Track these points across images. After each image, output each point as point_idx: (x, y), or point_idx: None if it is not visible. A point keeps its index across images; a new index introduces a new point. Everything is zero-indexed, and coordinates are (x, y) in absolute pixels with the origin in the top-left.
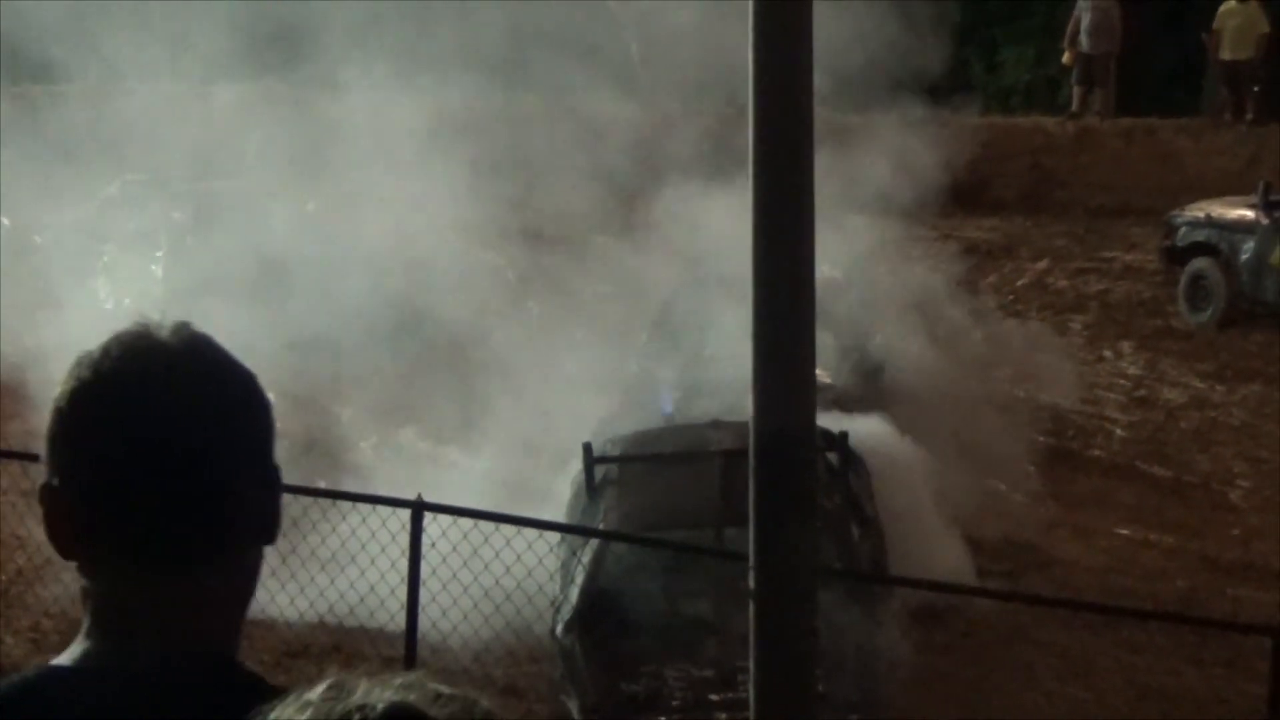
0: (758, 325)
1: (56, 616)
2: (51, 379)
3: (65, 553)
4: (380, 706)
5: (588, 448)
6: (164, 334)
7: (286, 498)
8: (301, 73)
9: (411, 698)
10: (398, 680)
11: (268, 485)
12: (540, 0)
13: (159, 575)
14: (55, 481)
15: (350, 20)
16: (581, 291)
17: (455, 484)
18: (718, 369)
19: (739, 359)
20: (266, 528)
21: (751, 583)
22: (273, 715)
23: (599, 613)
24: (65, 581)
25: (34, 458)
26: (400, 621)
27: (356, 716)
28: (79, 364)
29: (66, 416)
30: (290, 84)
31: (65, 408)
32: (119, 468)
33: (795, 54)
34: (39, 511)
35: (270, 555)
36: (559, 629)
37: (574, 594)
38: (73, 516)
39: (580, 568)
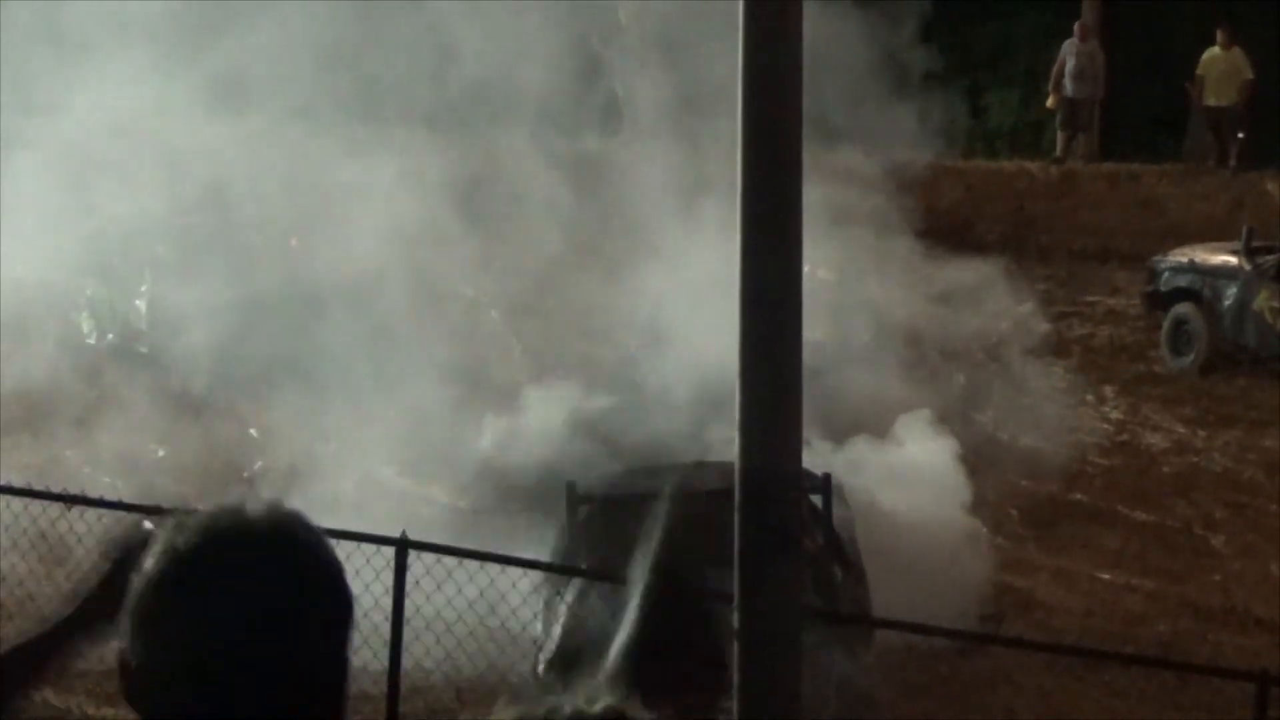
0: (744, 366)
1: None
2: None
3: (134, 702)
4: (598, 708)
5: (571, 486)
6: (255, 515)
7: None
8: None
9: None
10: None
11: (337, 676)
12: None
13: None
14: (134, 660)
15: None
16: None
17: (438, 521)
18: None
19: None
20: (336, 715)
21: (735, 623)
22: None
23: (582, 651)
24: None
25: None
26: (383, 660)
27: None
28: (170, 536)
29: (147, 597)
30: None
31: (147, 588)
32: (195, 655)
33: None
34: (21, 546)
35: None
36: (541, 667)
37: (557, 632)
38: (148, 694)
39: (563, 606)
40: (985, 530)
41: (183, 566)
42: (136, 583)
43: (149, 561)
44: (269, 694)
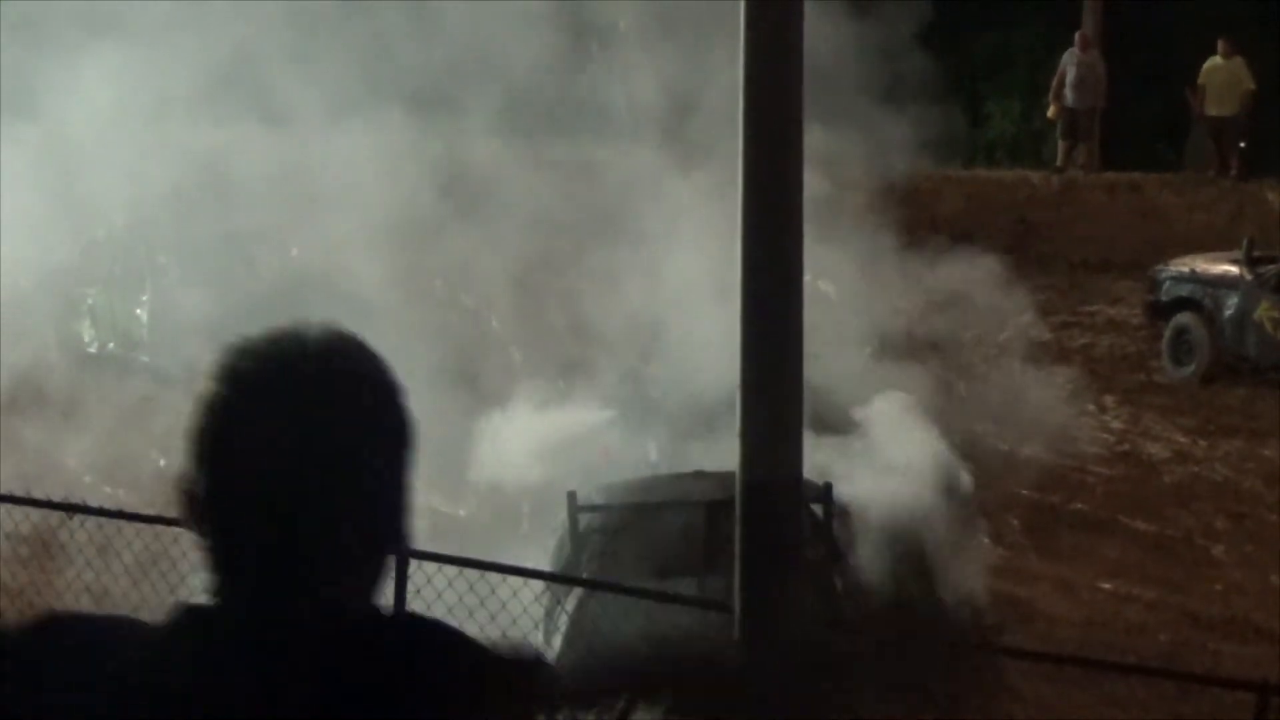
0: (745, 378)
1: None
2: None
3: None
4: None
5: (572, 496)
6: (314, 337)
7: None
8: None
9: None
10: None
11: (398, 498)
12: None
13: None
14: (195, 486)
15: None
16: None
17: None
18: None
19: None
20: (396, 535)
21: (736, 632)
22: None
23: (583, 658)
24: None
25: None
26: None
27: None
28: (229, 360)
29: (208, 420)
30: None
31: (208, 411)
32: (256, 477)
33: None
34: (22, 555)
35: None
36: None
37: (558, 642)
38: (211, 519)
39: (564, 615)
40: (985, 540)
41: (243, 388)
42: (196, 407)
43: (208, 385)
44: (329, 515)
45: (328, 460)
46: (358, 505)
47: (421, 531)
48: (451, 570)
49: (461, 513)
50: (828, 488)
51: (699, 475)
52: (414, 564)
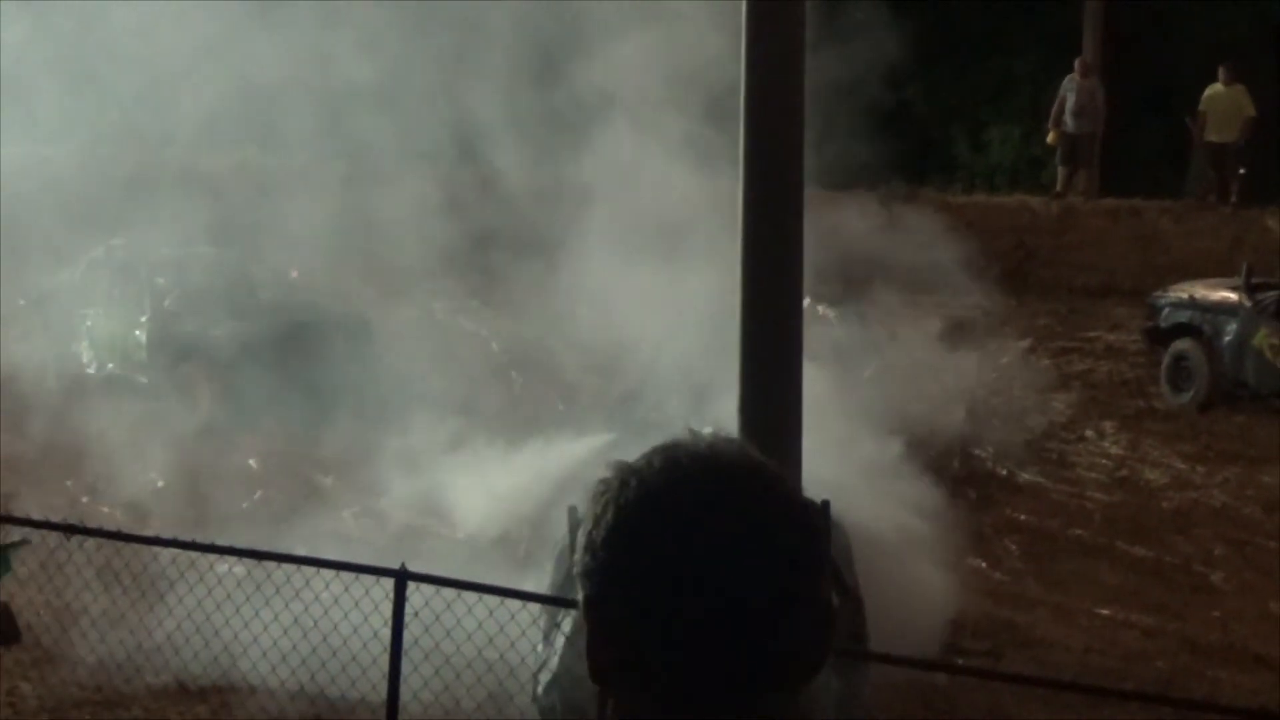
0: (744, 394)
1: None
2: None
3: (598, 675)
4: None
5: (573, 510)
6: (715, 448)
7: (269, 565)
8: None
9: None
10: None
11: (818, 623)
12: None
13: (702, 708)
14: (596, 598)
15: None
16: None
17: (438, 552)
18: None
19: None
20: (813, 665)
21: None
22: None
23: (581, 674)
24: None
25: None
26: (381, 692)
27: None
28: (620, 476)
29: (610, 531)
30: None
31: (609, 521)
32: (664, 591)
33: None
34: (20, 576)
35: (251, 623)
36: (540, 691)
37: (556, 656)
38: (616, 638)
39: (563, 629)
40: (984, 565)
41: (644, 498)
42: (591, 515)
43: (597, 507)
44: (740, 637)
45: (747, 571)
46: (780, 624)
47: (422, 553)
48: (450, 593)
49: (460, 536)
50: (825, 505)
51: None
52: (412, 586)
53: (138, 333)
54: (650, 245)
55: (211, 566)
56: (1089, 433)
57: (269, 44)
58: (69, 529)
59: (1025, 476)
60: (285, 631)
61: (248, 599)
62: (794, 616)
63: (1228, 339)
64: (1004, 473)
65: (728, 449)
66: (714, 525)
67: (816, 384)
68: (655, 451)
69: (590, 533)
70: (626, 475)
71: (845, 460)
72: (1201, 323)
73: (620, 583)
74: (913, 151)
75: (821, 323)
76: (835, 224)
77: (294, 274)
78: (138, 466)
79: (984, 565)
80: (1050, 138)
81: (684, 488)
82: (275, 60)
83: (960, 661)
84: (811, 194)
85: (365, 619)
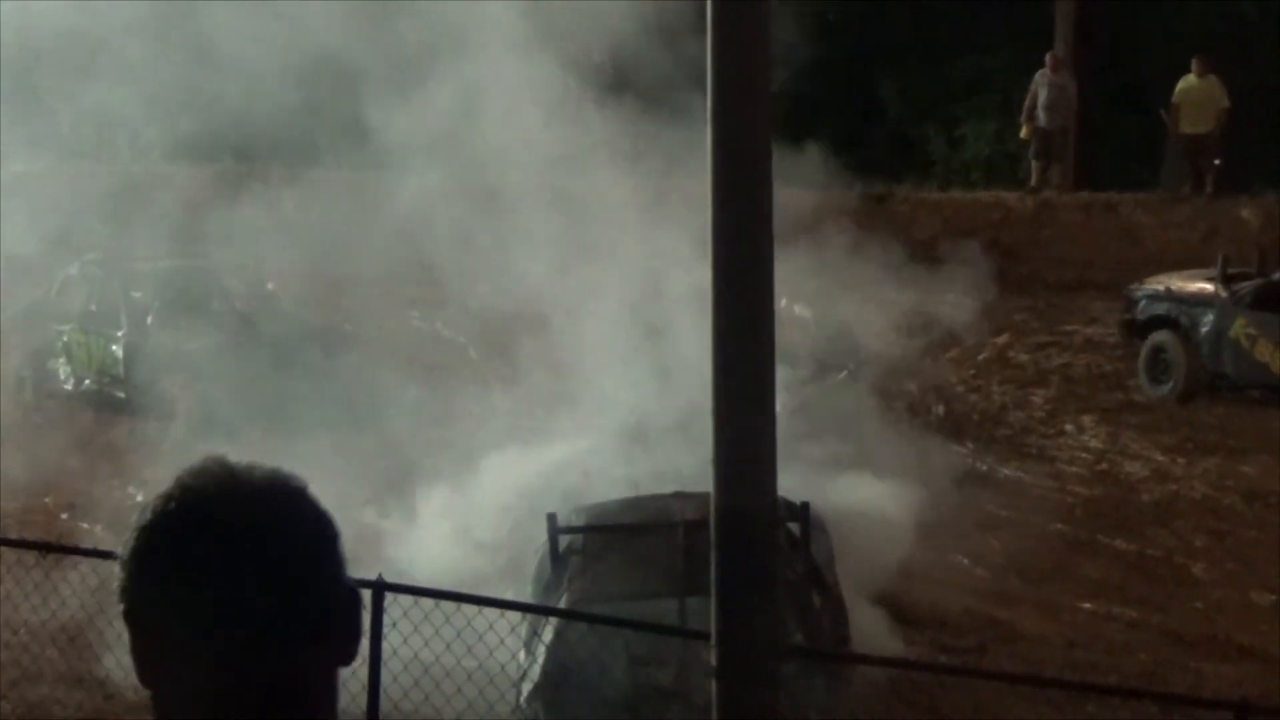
0: (718, 404)
1: None
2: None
3: (144, 678)
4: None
5: (552, 518)
6: (239, 471)
7: None
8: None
9: None
10: None
11: (345, 604)
12: None
13: (233, 689)
14: (126, 608)
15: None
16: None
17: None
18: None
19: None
20: (343, 650)
21: (713, 660)
22: None
23: (563, 681)
24: None
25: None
26: (361, 703)
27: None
28: (154, 505)
29: (130, 552)
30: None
31: (129, 542)
32: (184, 595)
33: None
34: None
35: None
36: (523, 698)
37: (538, 663)
38: (149, 642)
39: (544, 636)
40: (965, 561)
41: (164, 514)
42: (123, 555)
43: (131, 535)
44: (265, 623)
45: (254, 589)
46: (301, 608)
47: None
48: (429, 602)
49: (438, 544)
50: (805, 506)
51: (679, 496)
52: (390, 596)
53: (114, 347)
54: (621, 248)
55: None
56: (1068, 427)
57: (239, 45)
58: (45, 547)
59: (1005, 472)
60: None
61: None
62: (303, 608)
63: (1205, 330)
64: (984, 468)
65: (245, 470)
66: (217, 531)
67: (791, 383)
68: (177, 476)
69: (120, 556)
70: (150, 500)
71: (816, 461)
72: (1179, 314)
73: (143, 594)
74: (888, 148)
75: (798, 324)
76: (810, 223)
77: (270, 285)
78: (116, 481)
79: (966, 562)
80: (1024, 133)
81: (191, 505)
82: (247, 62)
83: (943, 659)
84: (788, 193)
85: None
